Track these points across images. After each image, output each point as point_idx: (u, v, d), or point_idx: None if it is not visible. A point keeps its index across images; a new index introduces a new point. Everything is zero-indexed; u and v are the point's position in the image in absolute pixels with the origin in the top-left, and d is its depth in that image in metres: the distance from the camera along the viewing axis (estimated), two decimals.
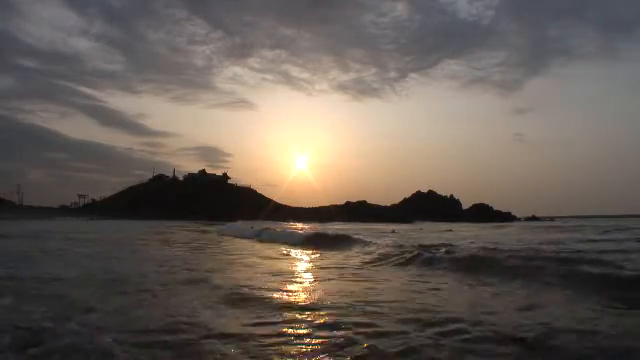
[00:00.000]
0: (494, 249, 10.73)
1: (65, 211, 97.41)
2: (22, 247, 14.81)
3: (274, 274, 8.70)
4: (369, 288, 7.09)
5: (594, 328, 4.50)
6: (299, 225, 51.68)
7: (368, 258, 11.60)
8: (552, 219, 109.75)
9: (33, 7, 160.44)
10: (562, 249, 13.13)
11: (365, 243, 14.40)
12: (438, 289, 6.97)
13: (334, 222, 70.50)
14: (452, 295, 6.54)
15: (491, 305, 5.77)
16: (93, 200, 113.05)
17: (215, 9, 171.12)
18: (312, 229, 33.96)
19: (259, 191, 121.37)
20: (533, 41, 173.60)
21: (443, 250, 10.70)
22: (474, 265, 8.73)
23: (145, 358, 3.66)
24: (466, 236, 24.07)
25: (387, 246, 12.77)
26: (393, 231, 30.07)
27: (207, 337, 4.22)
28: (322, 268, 10.05)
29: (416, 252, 10.68)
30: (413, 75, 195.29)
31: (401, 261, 10.32)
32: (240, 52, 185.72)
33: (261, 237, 21.63)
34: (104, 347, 3.86)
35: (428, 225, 53.63)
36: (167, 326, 4.56)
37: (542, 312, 5.31)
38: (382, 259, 11.01)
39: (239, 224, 38.92)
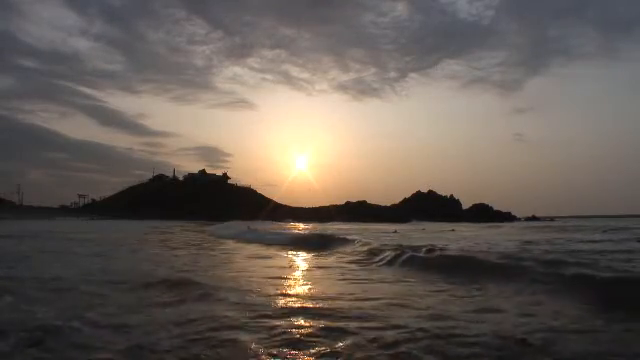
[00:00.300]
0: (486, 251, 10.75)
1: (65, 211, 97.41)
2: (22, 247, 14.83)
3: (267, 274, 8.69)
4: (356, 287, 7.17)
5: (565, 329, 4.51)
6: (300, 225, 51.74)
7: (354, 258, 11.70)
8: (552, 219, 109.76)
9: (33, 7, 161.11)
10: (555, 249, 13.13)
11: (354, 243, 14.42)
12: (416, 288, 7.06)
13: (334, 222, 70.49)
14: (428, 294, 6.57)
15: (461, 306, 5.79)
16: (93, 200, 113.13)
17: (215, 9, 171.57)
18: (311, 229, 34.04)
19: (259, 191, 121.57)
20: (533, 41, 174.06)
21: (425, 250, 10.67)
22: (457, 265, 8.70)
23: (151, 355, 3.67)
24: (466, 236, 24.10)
25: (374, 246, 12.78)
26: (395, 231, 29.99)
27: (217, 330, 4.35)
28: (317, 268, 10.12)
29: (400, 252, 10.71)
30: (413, 75, 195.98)
31: (386, 261, 10.38)
32: (240, 52, 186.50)
33: (252, 238, 21.44)
34: (109, 346, 3.87)
35: (429, 225, 53.61)
36: (172, 322, 4.58)
37: (508, 313, 5.34)
38: (368, 259, 11.08)
39: (233, 224, 38.87)
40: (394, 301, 5.91)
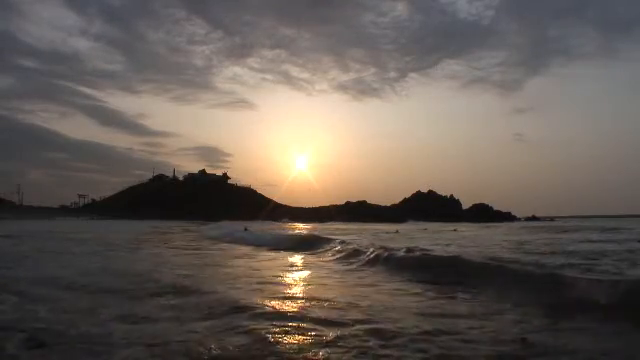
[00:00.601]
0: (475, 253, 10.79)
1: (65, 211, 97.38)
2: (22, 247, 14.84)
3: (252, 274, 8.78)
4: (336, 285, 7.37)
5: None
6: (300, 225, 51.77)
7: (337, 258, 12.00)
8: (552, 219, 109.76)
9: (33, 7, 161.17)
10: (551, 250, 13.07)
11: (340, 244, 14.50)
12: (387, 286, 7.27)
13: (334, 222, 70.51)
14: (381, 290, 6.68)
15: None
16: (93, 200, 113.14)
17: (215, 9, 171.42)
18: (310, 229, 34.05)
19: (259, 191, 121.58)
20: (533, 41, 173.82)
21: (404, 250, 10.73)
22: (431, 266, 8.80)
23: (161, 354, 3.68)
24: (466, 236, 24.14)
25: (358, 246, 12.89)
26: (397, 231, 29.98)
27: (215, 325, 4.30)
28: (301, 267, 10.26)
29: (381, 252, 10.89)
30: (413, 75, 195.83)
31: (366, 260, 10.62)
32: (240, 52, 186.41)
33: (241, 239, 20.91)
34: (116, 347, 3.89)
35: (430, 225, 53.58)
36: (174, 318, 4.60)
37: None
38: (351, 259, 11.29)
39: (225, 224, 38.89)
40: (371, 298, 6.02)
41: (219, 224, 41.55)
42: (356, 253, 11.88)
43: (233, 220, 56.34)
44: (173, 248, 15.88)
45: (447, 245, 16.22)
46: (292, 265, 10.80)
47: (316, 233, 21.49)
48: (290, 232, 23.99)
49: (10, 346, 3.81)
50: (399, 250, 10.78)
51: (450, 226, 44.57)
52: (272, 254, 13.94)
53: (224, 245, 18.16)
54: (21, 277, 7.65)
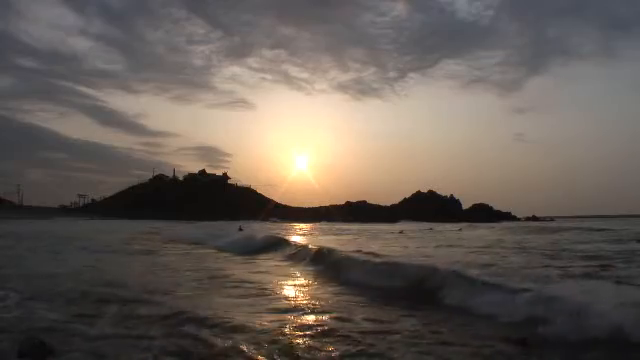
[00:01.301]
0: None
1: (65, 211, 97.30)
2: (22, 247, 14.85)
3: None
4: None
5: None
6: (301, 225, 51.76)
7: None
8: (552, 219, 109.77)
9: (32, 7, 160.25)
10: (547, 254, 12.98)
11: (291, 246, 14.58)
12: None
13: (335, 222, 70.51)
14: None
15: None
16: (93, 200, 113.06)
17: (214, 8, 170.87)
18: (310, 229, 34.09)
19: (259, 191, 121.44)
20: (533, 41, 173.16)
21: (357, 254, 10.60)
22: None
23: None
24: (465, 237, 24.16)
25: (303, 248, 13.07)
26: (401, 232, 29.29)
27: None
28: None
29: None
30: (413, 75, 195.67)
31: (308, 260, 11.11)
32: (239, 52, 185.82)
33: (202, 240, 20.31)
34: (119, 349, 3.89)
35: (434, 225, 53.33)
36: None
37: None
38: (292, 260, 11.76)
39: (209, 224, 39.26)
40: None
41: (209, 223, 41.65)
42: (299, 254, 12.24)
43: (233, 220, 56.40)
44: (171, 251, 15.87)
45: (450, 246, 16.19)
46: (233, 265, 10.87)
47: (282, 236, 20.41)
48: (265, 234, 22.06)
49: (10, 346, 3.80)
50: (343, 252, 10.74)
51: (449, 225, 44.62)
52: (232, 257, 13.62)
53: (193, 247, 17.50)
54: (21, 276, 7.68)
